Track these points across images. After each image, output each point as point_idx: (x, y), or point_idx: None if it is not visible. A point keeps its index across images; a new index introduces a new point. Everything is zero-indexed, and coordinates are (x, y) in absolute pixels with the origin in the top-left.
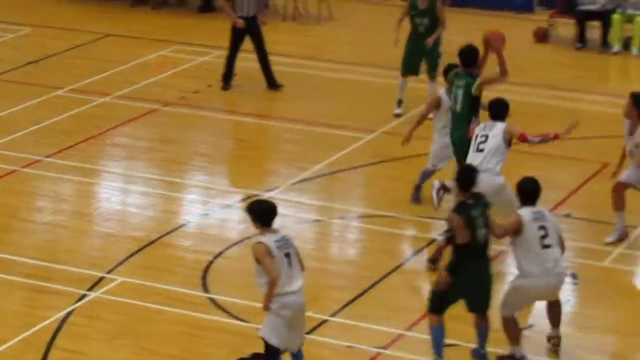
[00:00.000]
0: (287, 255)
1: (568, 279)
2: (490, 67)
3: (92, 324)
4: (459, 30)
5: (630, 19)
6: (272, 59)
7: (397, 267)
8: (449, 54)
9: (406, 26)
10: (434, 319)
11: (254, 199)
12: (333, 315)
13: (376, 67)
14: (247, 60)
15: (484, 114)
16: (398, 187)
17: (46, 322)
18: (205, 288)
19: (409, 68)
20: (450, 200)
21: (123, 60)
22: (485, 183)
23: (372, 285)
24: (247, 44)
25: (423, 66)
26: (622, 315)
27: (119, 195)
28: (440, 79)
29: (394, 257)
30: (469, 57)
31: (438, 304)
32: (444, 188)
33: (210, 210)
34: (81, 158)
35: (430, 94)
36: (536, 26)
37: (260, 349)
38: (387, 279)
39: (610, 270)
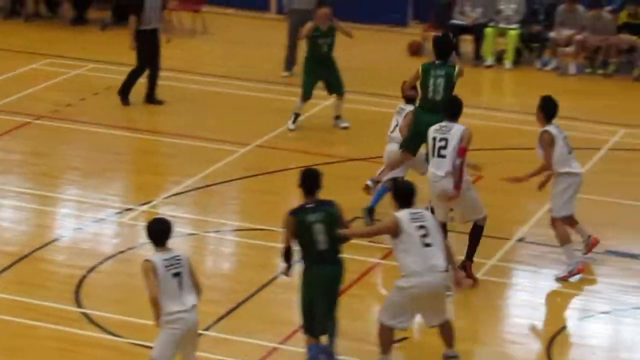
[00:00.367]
0: (177, 274)
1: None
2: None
3: None
4: (337, 44)
5: (502, 33)
6: (146, 72)
7: (272, 280)
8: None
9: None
10: (309, 339)
11: (153, 217)
12: (207, 329)
13: (250, 81)
14: (114, 72)
15: None
16: (272, 200)
17: None
18: (78, 303)
19: (310, 93)
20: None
21: None
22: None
23: (247, 299)
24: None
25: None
26: (489, 326)
27: None
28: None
29: (269, 270)
30: (446, 47)
31: (305, 322)
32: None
33: (84, 224)
34: None
35: (338, 112)
36: (410, 40)
37: None
38: (261, 292)
39: (482, 282)
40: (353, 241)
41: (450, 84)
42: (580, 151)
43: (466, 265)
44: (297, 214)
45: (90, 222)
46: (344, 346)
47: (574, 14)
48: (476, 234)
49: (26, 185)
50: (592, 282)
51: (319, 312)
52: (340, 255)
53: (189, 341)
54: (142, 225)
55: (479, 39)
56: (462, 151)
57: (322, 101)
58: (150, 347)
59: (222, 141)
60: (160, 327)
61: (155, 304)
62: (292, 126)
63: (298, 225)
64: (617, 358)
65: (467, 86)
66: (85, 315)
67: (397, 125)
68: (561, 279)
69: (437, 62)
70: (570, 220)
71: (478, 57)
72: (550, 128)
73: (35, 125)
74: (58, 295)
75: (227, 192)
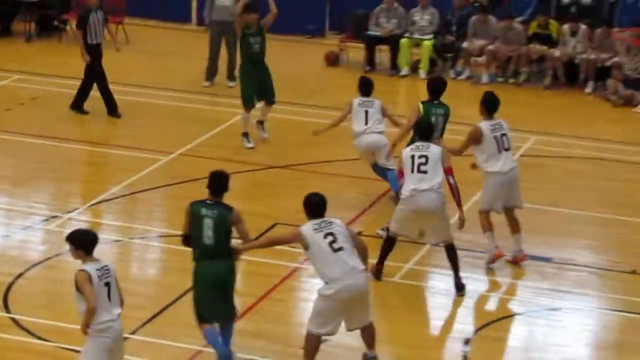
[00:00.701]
0: (107, 284)
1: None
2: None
3: None
4: None
5: (417, 44)
6: (70, 83)
7: None
8: None
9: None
10: (202, 325)
11: (75, 228)
12: (133, 333)
13: (172, 91)
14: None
15: None
16: None
17: None
18: (7, 309)
19: (252, 100)
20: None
21: None
22: (434, 201)
23: (171, 303)
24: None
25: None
26: (406, 328)
27: None
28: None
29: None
30: (442, 88)
31: (198, 310)
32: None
33: (11, 231)
34: None
35: (262, 118)
36: (327, 50)
37: None
38: (185, 297)
39: (399, 285)
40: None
41: (447, 122)
42: None
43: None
44: (193, 205)
45: (17, 230)
46: (267, 349)
47: (486, 25)
48: (452, 254)
49: None
50: (507, 284)
51: (208, 302)
52: (228, 254)
53: (118, 349)
54: (68, 232)
55: (394, 50)
56: (450, 170)
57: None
58: (78, 351)
59: (146, 150)
60: (87, 335)
61: (93, 313)
62: (249, 144)
63: (191, 216)
64: (530, 358)
65: (383, 95)
66: (14, 320)
67: (373, 119)
68: (488, 264)
69: (435, 101)
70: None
71: (394, 67)
72: (483, 124)
73: None
74: None
75: (151, 199)
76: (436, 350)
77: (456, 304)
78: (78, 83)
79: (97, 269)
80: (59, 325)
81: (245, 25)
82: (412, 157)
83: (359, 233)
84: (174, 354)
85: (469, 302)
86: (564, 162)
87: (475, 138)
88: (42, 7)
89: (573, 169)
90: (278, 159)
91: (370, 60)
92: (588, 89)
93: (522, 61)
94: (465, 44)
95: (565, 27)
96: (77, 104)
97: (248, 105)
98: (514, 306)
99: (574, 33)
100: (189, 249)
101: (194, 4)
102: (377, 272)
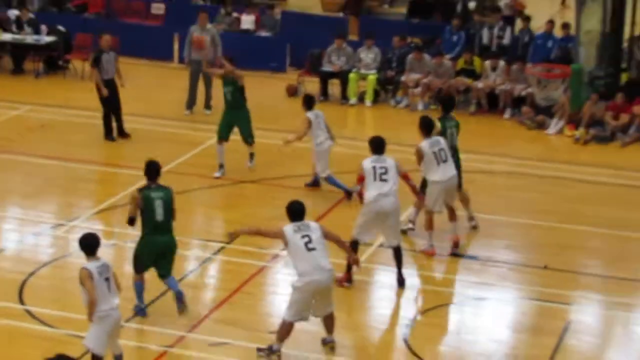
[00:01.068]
0: (107, 279)
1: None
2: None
3: None
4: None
5: (363, 77)
6: (72, 112)
7: (181, 279)
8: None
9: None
10: (136, 277)
11: (84, 232)
12: (127, 321)
13: (158, 118)
14: (46, 112)
15: None
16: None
17: None
18: (21, 301)
19: (223, 134)
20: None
21: None
22: (394, 204)
23: (158, 297)
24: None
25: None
26: (357, 316)
27: None
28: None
29: (176, 271)
30: (451, 103)
31: (136, 265)
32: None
33: (24, 237)
34: None
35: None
36: (288, 83)
37: (68, 352)
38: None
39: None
40: (246, 247)
41: (458, 132)
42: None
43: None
44: (143, 190)
45: (29, 235)
46: (240, 334)
47: (420, 61)
48: (398, 254)
49: None
50: (440, 279)
51: (150, 261)
52: (172, 227)
53: (115, 333)
54: (72, 237)
55: (344, 83)
56: (407, 176)
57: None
58: (81, 337)
59: (136, 167)
60: (91, 322)
61: (93, 305)
62: (218, 174)
63: (144, 199)
64: (463, 340)
65: (335, 121)
66: (28, 311)
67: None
68: (422, 251)
69: (446, 116)
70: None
71: (344, 97)
72: (423, 144)
73: None
74: (4, 296)
75: None
76: (382, 335)
77: (398, 296)
78: (80, 112)
79: (98, 267)
80: (66, 315)
81: (220, 76)
82: (374, 167)
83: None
84: (162, 339)
85: (408, 294)
86: (490, 176)
87: (420, 155)
88: (49, 49)
89: (497, 182)
90: (248, 175)
91: (324, 92)
92: (506, 115)
93: (451, 91)
94: (403, 78)
95: (487, 63)
96: (107, 134)
97: (219, 138)
98: (446, 297)
99: (494, 68)
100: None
101: (176, 46)
102: (349, 279)
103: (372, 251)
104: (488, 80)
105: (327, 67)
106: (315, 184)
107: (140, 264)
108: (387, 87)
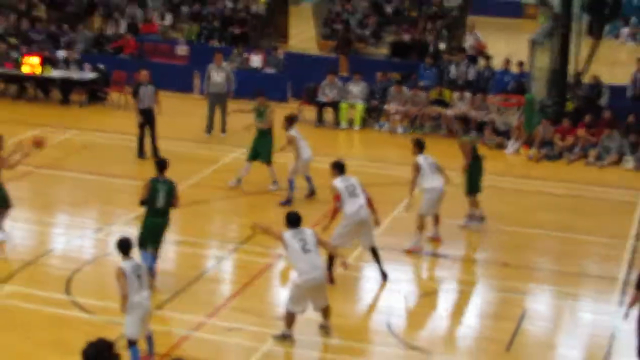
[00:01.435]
0: (139, 276)
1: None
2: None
3: None
4: (236, 116)
5: (352, 106)
6: (110, 135)
7: (202, 275)
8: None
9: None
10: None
11: (120, 236)
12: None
13: (182, 140)
14: (89, 136)
15: None
16: (202, 219)
17: None
18: (68, 293)
19: (251, 156)
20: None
21: None
22: (367, 213)
23: (182, 289)
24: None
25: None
26: (347, 305)
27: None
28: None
29: (196, 268)
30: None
31: (140, 240)
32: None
33: (70, 239)
34: None
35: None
36: (289, 111)
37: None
38: (195, 283)
39: (341, 276)
40: (255, 248)
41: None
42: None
43: (384, 273)
44: (153, 181)
45: (75, 238)
46: (252, 320)
47: (400, 93)
48: (375, 253)
49: (31, 214)
50: (419, 274)
51: (152, 238)
52: (169, 212)
53: (147, 319)
54: (110, 239)
55: (336, 110)
56: (364, 190)
57: (230, 153)
58: (118, 323)
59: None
60: (125, 313)
61: (125, 299)
62: (230, 182)
63: (151, 188)
64: (437, 325)
65: (329, 142)
66: (73, 302)
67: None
68: (408, 250)
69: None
70: (435, 219)
71: (336, 123)
72: (419, 158)
73: (36, 172)
74: (54, 288)
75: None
76: (369, 322)
77: (382, 288)
78: (116, 136)
79: (132, 266)
80: (105, 304)
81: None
82: (346, 187)
83: None
84: (182, 323)
85: (391, 286)
86: (459, 189)
87: (417, 168)
88: (91, 83)
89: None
90: (255, 187)
91: (320, 118)
92: None
93: (425, 118)
94: (385, 106)
95: (455, 94)
96: (140, 153)
97: (248, 158)
98: (424, 288)
99: (461, 98)
100: (189, 247)
101: (197, 81)
102: (331, 279)
103: (358, 251)
104: (456, 109)
105: (321, 98)
106: (311, 194)
107: (142, 239)
108: (372, 114)
